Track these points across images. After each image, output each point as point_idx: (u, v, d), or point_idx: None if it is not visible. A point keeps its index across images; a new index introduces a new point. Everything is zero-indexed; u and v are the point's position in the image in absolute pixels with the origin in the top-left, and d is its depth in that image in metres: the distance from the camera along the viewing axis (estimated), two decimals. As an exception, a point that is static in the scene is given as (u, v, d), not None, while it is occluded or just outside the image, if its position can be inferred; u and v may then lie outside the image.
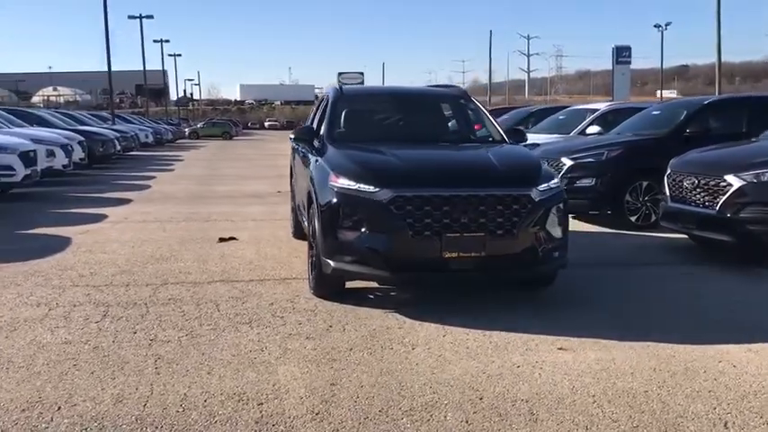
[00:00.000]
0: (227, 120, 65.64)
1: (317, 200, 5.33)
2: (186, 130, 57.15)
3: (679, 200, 7.10)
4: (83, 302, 5.46)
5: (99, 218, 10.32)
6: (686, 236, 7.53)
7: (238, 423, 3.35)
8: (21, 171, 12.56)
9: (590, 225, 9.48)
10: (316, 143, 6.25)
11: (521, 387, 3.80)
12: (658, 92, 79.98)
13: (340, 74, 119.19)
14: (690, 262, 7.08)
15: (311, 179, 5.68)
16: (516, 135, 6.74)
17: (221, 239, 8.24)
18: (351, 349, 4.39)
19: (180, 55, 67.34)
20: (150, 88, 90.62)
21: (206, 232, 8.86)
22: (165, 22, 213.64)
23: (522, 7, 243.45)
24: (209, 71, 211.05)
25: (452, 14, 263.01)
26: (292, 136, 6.55)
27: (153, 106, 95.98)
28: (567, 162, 9.18)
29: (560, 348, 4.44)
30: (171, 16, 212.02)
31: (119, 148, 23.69)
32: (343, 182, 5.10)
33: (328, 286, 5.45)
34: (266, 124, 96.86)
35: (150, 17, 46.40)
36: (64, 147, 15.72)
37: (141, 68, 53.79)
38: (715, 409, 3.55)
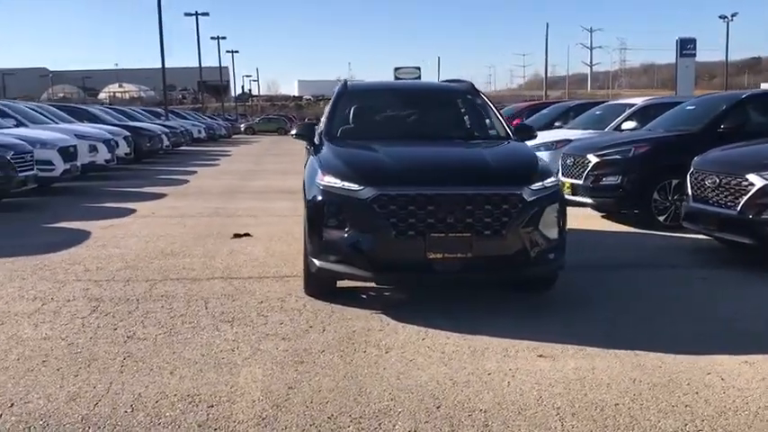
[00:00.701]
0: (283, 115, 66.29)
1: (305, 197, 5.25)
2: (242, 125, 58.01)
3: (701, 200, 6.75)
4: (77, 297, 5.51)
5: (127, 212, 10.49)
6: (710, 237, 7.15)
7: (181, 426, 3.29)
8: (60, 166, 12.90)
9: (617, 225, 9.14)
10: (316, 140, 6.16)
11: (484, 396, 3.64)
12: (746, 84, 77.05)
13: (396, 68, 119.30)
14: (711, 265, 6.72)
15: (304, 177, 5.61)
16: (524, 132, 6.52)
17: (236, 235, 8.25)
18: (323, 351, 4.29)
19: (237, 52, 68.59)
20: (212, 84, 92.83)
21: (226, 228, 8.88)
22: (223, 19, 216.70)
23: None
24: (269, 68, 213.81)
25: (513, 7, 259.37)
26: (293, 132, 6.48)
27: (213, 102, 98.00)
28: (593, 159, 8.86)
29: (540, 355, 4.25)
30: (229, 14, 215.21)
31: (167, 143, 24.16)
32: (329, 180, 5.00)
33: (318, 285, 5.36)
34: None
35: (206, 14, 47.32)
36: (107, 142, 16.08)
37: (206, 65, 54.79)
38: (687, 426, 3.32)
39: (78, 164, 13.74)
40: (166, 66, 33.99)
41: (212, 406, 3.50)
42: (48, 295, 5.58)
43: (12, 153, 10.61)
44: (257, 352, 4.28)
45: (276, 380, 3.83)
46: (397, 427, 3.29)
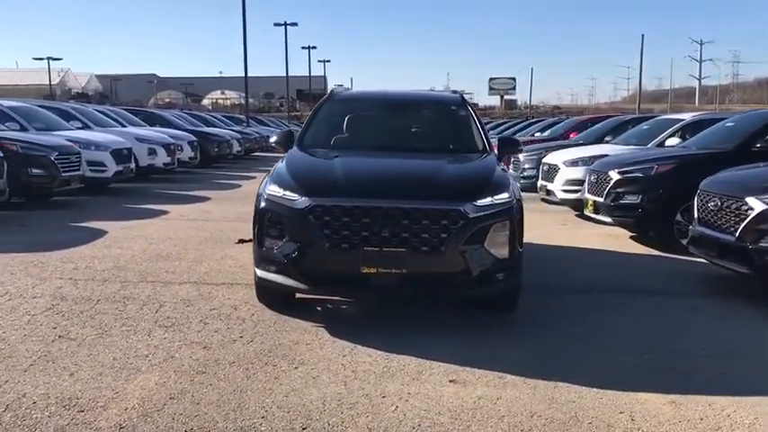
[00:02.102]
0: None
1: (255, 206, 5.21)
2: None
3: (704, 223, 6.27)
4: (44, 295, 5.67)
5: (157, 214, 10.79)
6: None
7: (38, 429, 3.29)
8: (112, 167, 13.47)
9: (641, 246, 8.62)
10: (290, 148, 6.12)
11: (359, 420, 3.47)
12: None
13: (491, 79, 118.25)
14: (712, 295, 6.20)
15: None
16: (508, 146, 6.26)
17: (240, 241, 8.31)
18: (232, 363, 4.22)
19: (329, 61, 69.83)
20: (308, 93, 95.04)
21: (239, 233, 8.94)
22: (321, 30, 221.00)
23: (695, 10, 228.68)
24: (364, 78, 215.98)
25: (618, 18, 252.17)
26: (272, 140, 6.46)
27: (309, 110, 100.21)
28: (614, 176, 8.41)
29: (452, 381, 4.03)
30: (326, 24, 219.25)
31: (239, 148, 24.80)
32: (272, 189, 4.94)
33: (266, 295, 5.30)
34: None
35: (294, 24, 48.26)
36: (166, 146, 16.64)
37: (304, 74, 56.09)
38: (556, 469, 3.04)
39: (132, 166, 14.28)
40: (267, 75, 34.89)
41: (82, 411, 3.49)
42: (20, 291, 5.77)
43: (56, 154, 11.14)
44: (169, 359, 4.26)
45: (165, 389, 3.79)
46: (248, 446, 3.17)
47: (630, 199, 8.21)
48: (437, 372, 4.15)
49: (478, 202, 4.73)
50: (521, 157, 13.94)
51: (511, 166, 14.64)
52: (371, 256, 4.59)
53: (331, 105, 6.68)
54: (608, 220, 8.51)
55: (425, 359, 4.34)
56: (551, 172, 11.32)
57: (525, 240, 8.72)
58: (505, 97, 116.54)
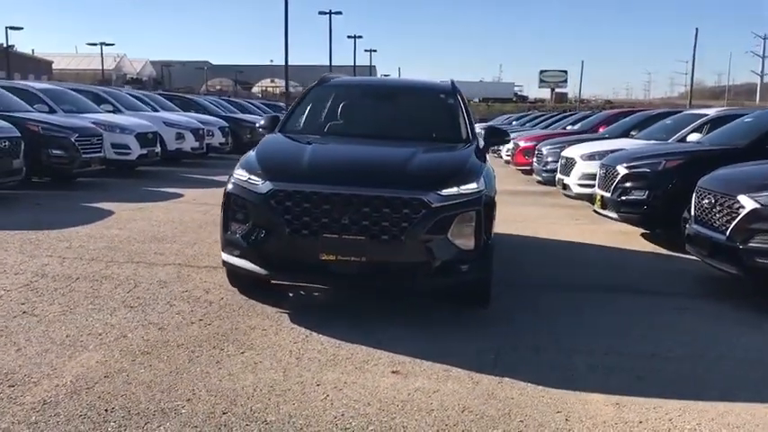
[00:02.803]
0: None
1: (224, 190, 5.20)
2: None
3: (699, 221, 6.03)
4: (26, 271, 5.78)
5: (170, 197, 10.94)
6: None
7: (-37, 401, 3.33)
8: (136, 150, 13.69)
9: (647, 244, 8.36)
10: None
11: (284, 408, 3.43)
12: None
13: (542, 71, 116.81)
14: (704, 296, 5.97)
15: None
16: (494, 135, 6.12)
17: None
18: (180, 345, 4.22)
19: (375, 50, 69.15)
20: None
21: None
22: (366, 18, 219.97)
23: (757, 1, 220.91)
24: (413, 68, 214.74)
25: (675, 11, 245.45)
26: (258, 124, 6.44)
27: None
28: (621, 171, 8.16)
29: (394, 372, 3.95)
30: (371, 13, 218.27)
31: (273, 135, 24.93)
32: (240, 173, 4.92)
33: (237, 279, 5.28)
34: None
35: (339, 13, 48.24)
36: (194, 131, 16.85)
37: (350, 64, 56.25)
38: (466, 466, 2.95)
39: (157, 150, 14.50)
40: (318, 63, 34.88)
41: (13, 386, 3.52)
42: (6, 267, 5.89)
43: (76, 135, 11.36)
44: (121, 338, 4.29)
45: (103, 368, 3.80)
46: (161, 428, 3.16)
47: (637, 195, 7.96)
48: (383, 362, 4.08)
49: (443, 191, 4.62)
50: (543, 150, 13.70)
51: (534, 159, 14.40)
52: (331, 242, 4.54)
53: (319, 91, 6.63)
54: (614, 215, 8.27)
55: (378, 349, 4.28)
56: (568, 166, 11.07)
57: (530, 234, 8.70)
58: (556, 90, 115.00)
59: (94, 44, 66.20)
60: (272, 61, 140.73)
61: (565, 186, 11.16)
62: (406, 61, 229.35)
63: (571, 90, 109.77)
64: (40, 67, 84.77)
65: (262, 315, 4.87)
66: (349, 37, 56.29)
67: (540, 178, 14.06)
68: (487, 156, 6.41)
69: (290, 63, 33.32)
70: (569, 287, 6.14)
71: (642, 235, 8.88)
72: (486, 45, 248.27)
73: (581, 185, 10.52)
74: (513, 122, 30.07)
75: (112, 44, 66.14)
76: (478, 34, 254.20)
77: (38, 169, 11.06)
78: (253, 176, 4.79)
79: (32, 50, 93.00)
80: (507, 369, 4.03)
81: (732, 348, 4.58)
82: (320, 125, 6.21)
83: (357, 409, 3.43)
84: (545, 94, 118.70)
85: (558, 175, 11.52)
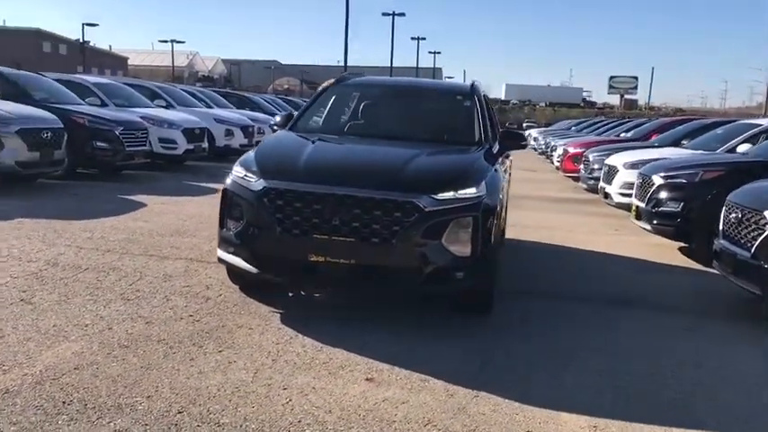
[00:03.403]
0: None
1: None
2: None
3: (726, 236, 5.70)
4: (39, 260, 5.89)
5: (207, 192, 11.05)
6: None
7: (-70, 385, 3.38)
8: (182, 145, 13.94)
9: (682, 259, 7.99)
10: (285, 131, 6.05)
11: (242, 409, 3.35)
12: None
13: (611, 77, 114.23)
14: (720, 316, 5.63)
15: None
16: (510, 139, 5.93)
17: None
18: (160, 341, 4.20)
19: (439, 52, 69.00)
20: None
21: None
22: (432, 20, 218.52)
23: None
24: (480, 71, 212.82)
25: (754, 18, 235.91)
26: (273, 122, 6.40)
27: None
28: (657, 181, 7.81)
29: (368, 379, 3.83)
30: (438, 15, 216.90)
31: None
32: (237, 170, 4.89)
33: (237, 277, 5.25)
34: (524, 125, 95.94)
35: (402, 15, 48.24)
36: (244, 128, 17.07)
37: (421, 66, 56.31)
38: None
39: (204, 145, 14.73)
40: (384, 65, 35.06)
41: (-17, 372, 3.55)
42: (22, 254, 6.02)
43: (121, 128, 11.62)
44: (105, 331, 4.30)
45: (77, 359, 3.81)
46: (111, 424, 3.13)
47: (671, 206, 7.60)
48: (360, 368, 3.97)
49: (439, 195, 4.48)
50: (590, 156, 13.32)
51: (581, 166, 14.01)
52: (320, 243, 4.45)
53: (336, 90, 6.55)
54: (648, 227, 7.92)
55: (359, 354, 4.17)
56: (611, 174, 10.69)
57: (561, 242, 8.42)
58: (626, 96, 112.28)
59: (165, 41, 67.94)
60: (339, 62, 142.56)
61: (606, 195, 10.79)
62: (472, 64, 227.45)
63: (642, 97, 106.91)
64: (116, 62, 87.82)
65: (253, 314, 4.81)
66: (412, 38, 56.19)
67: (585, 186, 13.66)
68: (506, 160, 6.23)
69: (357, 64, 33.50)
70: (583, 299, 5.89)
71: (680, 249, 8.49)
72: (556, 49, 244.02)
73: (622, 194, 10.15)
74: (572, 128, 29.42)
75: (183, 42, 67.94)
76: (548, 37, 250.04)
77: (82, 161, 11.36)
78: (249, 174, 4.75)
79: (110, 47, 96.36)
80: (488, 382, 3.86)
81: (736, 375, 4.28)
82: (331, 124, 6.14)
83: (316, 417, 3.32)
84: (614, 100, 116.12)
85: (601, 183, 11.15)
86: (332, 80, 6.71)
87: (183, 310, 4.80)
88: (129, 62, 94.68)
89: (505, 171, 6.30)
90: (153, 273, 5.72)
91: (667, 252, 8.26)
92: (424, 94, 6.66)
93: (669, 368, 4.30)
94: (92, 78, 14.74)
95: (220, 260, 4.95)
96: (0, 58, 53.97)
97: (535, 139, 28.67)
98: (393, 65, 51.21)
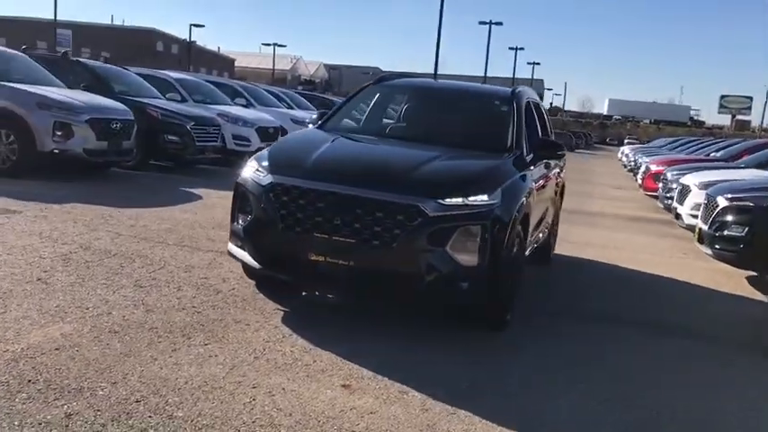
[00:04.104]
0: (567, 131, 64.53)
1: None
2: (527, 136, 57.64)
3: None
4: (75, 242, 6.05)
5: (268, 190, 11.15)
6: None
7: None
8: (255, 143, 14.15)
9: (748, 289, 7.41)
10: (315, 128, 6.00)
11: (201, 405, 3.29)
12: None
13: (722, 96, 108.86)
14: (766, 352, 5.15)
15: None
16: (546, 148, 5.64)
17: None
18: (152, 329, 4.20)
19: (539, 63, 67.67)
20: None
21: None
22: (533, 31, 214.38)
23: None
24: (580, 84, 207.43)
25: None
26: (308, 119, 6.36)
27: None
28: (722, 203, 7.27)
29: (344, 385, 3.69)
30: (539, 26, 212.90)
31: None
32: (251, 164, 4.87)
33: (250, 271, 5.22)
34: (625, 141, 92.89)
35: (499, 24, 47.65)
36: (320, 129, 17.18)
37: (519, 76, 55.73)
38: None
39: (277, 144, 14.92)
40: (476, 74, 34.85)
41: (-27, 345, 3.63)
42: (59, 237, 6.20)
43: (192, 123, 11.93)
44: (103, 315, 4.34)
45: (62, 340, 3.85)
46: (65, 407, 3.12)
47: (735, 230, 7.04)
48: (342, 373, 3.83)
49: (446, 200, 4.28)
50: (668, 175, 12.65)
51: (660, 185, 13.33)
52: (320, 242, 4.34)
53: (373, 90, 6.43)
54: (709, 251, 7.38)
55: (347, 360, 4.03)
56: (683, 193, 10.08)
57: (622, 263, 7.97)
58: (738, 117, 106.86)
59: (268, 44, 69.89)
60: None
61: (678, 216, 10.19)
62: (574, 76, 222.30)
63: (756, 119, 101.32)
64: (224, 64, 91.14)
65: (258, 310, 4.76)
66: (510, 48, 55.46)
67: (662, 205, 12.97)
68: (546, 170, 5.93)
69: (451, 72, 33.35)
70: (615, 322, 5.54)
71: (748, 278, 7.87)
72: (665, 65, 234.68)
73: (692, 216, 9.52)
74: (667, 146, 28.13)
75: (284, 45, 69.63)
76: (657, 53, 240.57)
77: (154, 153, 11.73)
78: (260, 168, 4.71)
79: (218, 48, 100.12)
80: (472, 401, 3.64)
81: (757, 419, 3.86)
82: (361, 124, 6.02)
83: (272, 418, 3.21)
84: (725, 120, 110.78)
85: (674, 203, 10.54)
86: (372, 80, 6.60)
87: (189, 301, 4.79)
88: (237, 64, 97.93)
89: (545, 182, 5.99)
90: (177, 263, 5.76)
91: (733, 280, 7.68)
92: (462, 97, 6.43)
93: (686, 403, 3.94)
94: (174, 74, 15.25)
95: (230, 254, 4.92)
96: (116, 55, 57.09)
97: (626, 156, 27.59)
98: (490, 75, 50.73)
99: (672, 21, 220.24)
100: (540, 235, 6.27)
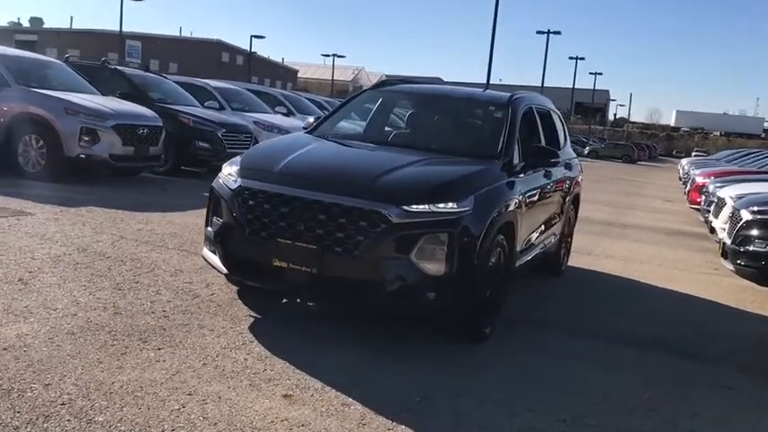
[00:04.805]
0: (630, 143, 63.00)
1: None
2: (586, 149, 56.61)
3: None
4: (74, 244, 6.13)
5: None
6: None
7: None
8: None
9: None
10: (309, 132, 5.93)
11: (126, 410, 3.22)
12: None
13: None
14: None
15: None
16: (536, 155, 5.42)
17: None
18: (110, 332, 4.17)
19: (601, 73, 66.23)
20: (586, 107, 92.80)
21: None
22: (595, 41, 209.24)
23: None
24: (647, 97, 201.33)
25: None
26: (303, 124, 6.30)
27: (580, 124, 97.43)
28: (745, 216, 6.88)
29: (285, 395, 3.58)
30: (604, 35, 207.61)
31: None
32: (225, 168, 4.82)
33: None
34: (693, 153, 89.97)
35: (557, 33, 46.88)
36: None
37: (588, 87, 54.92)
38: None
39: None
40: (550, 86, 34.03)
41: None
42: (62, 238, 6.30)
43: (223, 131, 12.07)
44: (68, 317, 4.34)
45: (15, 340, 3.86)
46: (-12, 406, 3.10)
47: (758, 246, 6.64)
48: (288, 384, 3.71)
49: (412, 207, 4.13)
50: (710, 187, 12.07)
51: (702, 197, 12.76)
52: (283, 249, 4.25)
53: (370, 95, 6.32)
54: (731, 267, 6.98)
55: (300, 370, 3.91)
56: (719, 207, 9.59)
57: (642, 277, 7.61)
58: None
59: (328, 55, 70.62)
60: (500, 80, 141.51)
61: (712, 230, 9.70)
62: (642, 87, 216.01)
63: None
64: (287, 74, 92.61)
65: (227, 316, 4.69)
66: (570, 58, 54.49)
67: (703, 219, 12.40)
68: (544, 178, 5.70)
69: (510, 83, 32.87)
70: (612, 339, 5.25)
71: (777, 298, 7.40)
72: (740, 75, 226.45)
73: (725, 230, 9.05)
74: (726, 158, 26.99)
75: (343, 56, 70.18)
76: (731, 63, 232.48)
77: (185, 159, 11.90)
78: (232, 172, 4.65)
79: (282, 59, 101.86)
80: (416, 418, 3.48)
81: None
82: (354, 128, 5.91)
83: (194, 427, 3.12)
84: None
85: (710, 216, 10.05)
86: (372, 84, 6.49)
87: (162, 305, 4.76)
88: (300, 75, 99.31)
89: (543, 190, 5.75)
90: (168, 266, 5.77)
91: (761, 298, 7.23)
92: (457, 103, 6.23)
93: (656, 426, 3.66)
94: (214, 83, 15.48)
95: (204, 258, 4.88)
96: (183, 66, 58.53)
97: (683, 168, 26.63)
98: (550, 85, 49.94)
99: (746, 29, 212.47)
100: (542, 245, 6.02)
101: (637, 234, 11.37)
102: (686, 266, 8.85)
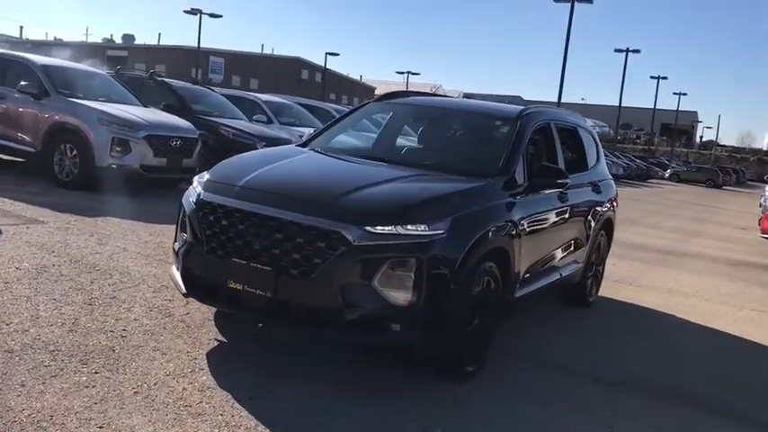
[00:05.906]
0: (715, 167, 60.22)
1: None
2: (667, 172, 54.51)
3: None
4: (66, 254, 5.98)
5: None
6: None
7: None
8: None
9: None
10: (309, 145, 5.59)
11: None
12: None
13: None
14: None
15: None
16: (542, 175, 4.90)
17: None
18: (52, 351, 3.92)
19: (685, 94, 63.97)
20: (673, 128, 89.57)
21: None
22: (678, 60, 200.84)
23: None
24: (744, 119, 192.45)
25: None
26: (303, 136, 5.97)
27: (665, 146, 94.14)
28: None
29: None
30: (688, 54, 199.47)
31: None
32: (194, 180, 4.55)
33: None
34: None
35: (637, 51, 45.30)
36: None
37: (654, 106, 53.07)
38: None
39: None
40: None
41: None
42: (60, 248, 6.16)
43: (263, 144, 11.88)
44: (15, 332, 4.12)
45: (-55, 356, 3.65)
46: None
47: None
48: (217, 421, 3.38)
49: (376, 228, 3.72)
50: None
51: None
52: (238, 269, 3.92)
53: (374, 108, 5.95)
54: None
55: (240, 404, 3.58)
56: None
57: (677, 313, 6.91)
58: None
59: (402, 72, 70.74)
60: (583, 99, 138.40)
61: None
62: (733, 109, 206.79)
63: None
64: (364, 92, 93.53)
65: (189, 339, 4.38)
66: (651, 77, 52.70)
67: (771, 248, 11.41)
68: (535, 196, 5.13)
69: (585, 102, 31.87)
70: (614, 386, 4.65)
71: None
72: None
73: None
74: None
75: (418, 73, 70.09)
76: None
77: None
78: (198, 185, 4.36)
79: (360, 77, 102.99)
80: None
81: None
82: (345, 143, 5.53)
83: (85, 467, 2.78)
84: None
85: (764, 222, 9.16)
86: (376, 96, 6.11)
87: (126, 324, 4.50)
88: (376, 92, 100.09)
89: (557, 213, 5.23)
90: (155, 282, 5.53)
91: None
92: (460, 116, 5.75)
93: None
94: (264, 97, 15.44)
95: (170, 275, 4.59)
96: (264, 82, 59.62)
97: (764, 195, 25.02)
98: (629, 105, 48.44)
99: None
100: (557, 274, 5.47)
101: (693, 263, 10.53)
102: (737, 302, 8.04)
